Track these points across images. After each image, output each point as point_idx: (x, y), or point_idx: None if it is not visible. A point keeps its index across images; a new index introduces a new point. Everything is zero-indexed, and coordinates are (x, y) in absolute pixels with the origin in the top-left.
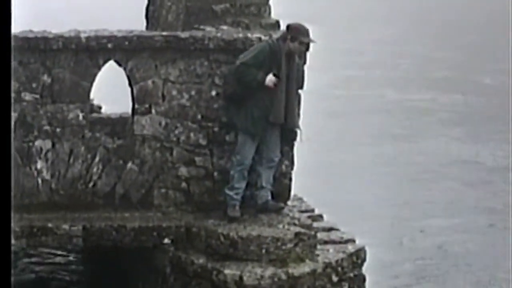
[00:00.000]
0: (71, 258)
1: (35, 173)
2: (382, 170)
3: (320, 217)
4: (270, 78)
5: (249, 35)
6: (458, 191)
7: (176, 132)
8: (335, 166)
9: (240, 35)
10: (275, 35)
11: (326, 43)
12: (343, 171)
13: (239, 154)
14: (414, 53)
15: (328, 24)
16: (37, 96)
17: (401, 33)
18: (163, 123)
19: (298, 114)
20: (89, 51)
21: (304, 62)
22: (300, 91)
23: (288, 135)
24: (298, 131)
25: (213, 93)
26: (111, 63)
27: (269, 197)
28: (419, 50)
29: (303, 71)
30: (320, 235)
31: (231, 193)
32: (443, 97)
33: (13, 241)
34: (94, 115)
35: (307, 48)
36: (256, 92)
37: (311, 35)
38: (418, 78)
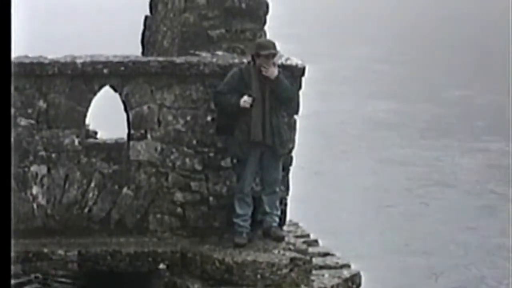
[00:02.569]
0: (66, 283)
1: (31, 198)
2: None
3: (315, 242)
4: (244, 100)
5: (244, 60)
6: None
7: (172, 157)
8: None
9: (236, 60)
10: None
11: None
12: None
13: (238, 180)
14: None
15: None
16: (33, 122)
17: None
18: (159, 148)
19: (289, 137)
20: (84, 77)
21: (299, 87)
22: (295, 116)
23: (288, 159)
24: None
25: (209, 118)
26: (107, 89)
27: (274, 223)
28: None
29: (297, 96)
30: (315, 260)
31: (237, 220)
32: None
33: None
34: (90, 140)
35: (272, 60)
36: (237, 117)
37: (277, 48)
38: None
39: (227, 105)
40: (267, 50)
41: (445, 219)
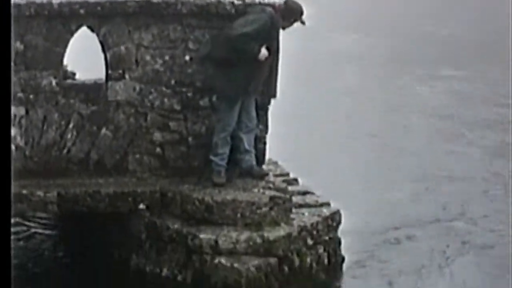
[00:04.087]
0: (46, 224)
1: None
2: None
3: (295, 180)
4: (263, 53)
5: (269, 10)
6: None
7: (150, 97)
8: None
9: None
10: (269, 8)
11: None
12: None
13: (222, 120)
14: None
15: None
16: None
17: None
18: (137, 88)
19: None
20: (61, 17)
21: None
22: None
23: (264, 100)
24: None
25: (187, 58)
26: (84, 29)
27: (254, 162)
28: None
29: None
30: (295, 199)
31: (216, 159)
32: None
33: None
34: (68, 81)
35: None
36: (245, 61)
37: (304, 14)
38: None
39: (249, 50)
40: (301, 17)
41: (422, 144)
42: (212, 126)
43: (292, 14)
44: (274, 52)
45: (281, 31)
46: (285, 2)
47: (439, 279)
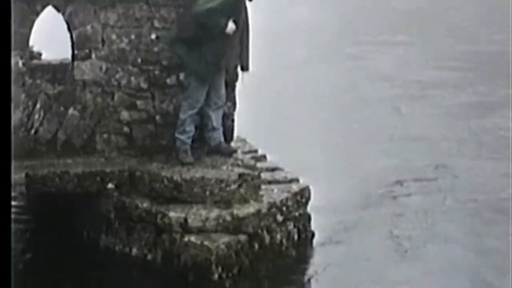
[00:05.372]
0: (14, 206)
1: None
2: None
3: (263, 157)
4: (231, 26)
5: None
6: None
7: (117, 76)
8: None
9: None
10: None
11: None
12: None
13: (190, 98)
14: None
15: None
16: None
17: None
18: (104, 67)
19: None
20: None
21: None
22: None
23: (232, 76)
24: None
25: (153, 36)
26: (50, 9)
27: (222, 139)
28: None
29: None
30: (264, 176)
31: (182, 137)
32: None
33: None
34: (34, 61)
35: None
36: (213, 37)
37: None
38: None
39: (216, 25)
40: None
41: (384, 110)
42: (180, 105)
43: None
44: (243, 25)
45: (248, 3)
46: None
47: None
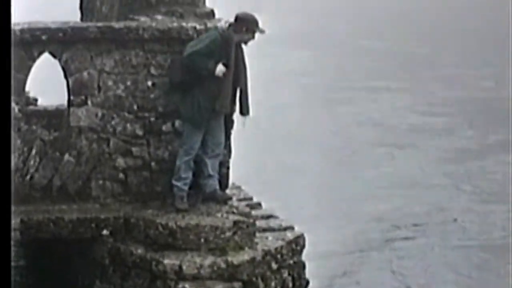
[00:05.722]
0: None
1: None
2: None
3: (258, 205)
4: (220, 68)
5: (183, 24)
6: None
7: (113, 123)
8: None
9: (175, 24)
10: (223, 24)
11: None
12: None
13: (185, 144)
14: None
15: None
16: None
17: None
18: (99, 114)
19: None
20: (23, 44)
21: None
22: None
23: (230, 122)
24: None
25: (149, 83)
26: (46, 55)
27: (217, 186)
28: None
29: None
30: (258, 223)
31: (178, 183)
32: None
33: None
34: (30, 107)
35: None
36: (204, 81)
37: (260, 25)
38: None
39: (202, 68)
40: (257, 28)
41: (375, 156)
42: (175, 151)
43: (244, 24)
44: (238, 68)
45: (245, 47)
46: (237, 15)
47: None
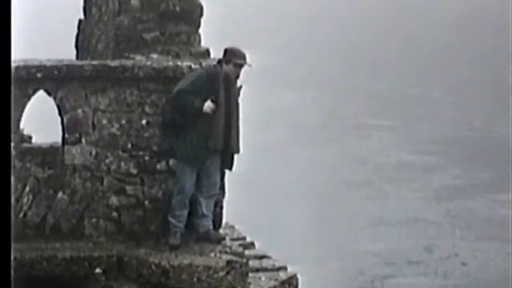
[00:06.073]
0: None
1: None
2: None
3: (251, 244)
4: (208, 105)
5: (179, 63)
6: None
7: (107, 161)
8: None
9: (170, 63)
10: (212, 62)
11: None
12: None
13: (179, 183)
14: None
15: None
16: None
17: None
18: (94, 152)
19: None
20: (18, 81)
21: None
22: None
23: (228, 160)
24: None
25: (144, 122)
26: (41, 93)
27: (211, 226)
28: None
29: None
30: (252, 263)
31: (173, 220)
32: None
33: None
34: (25, 145)
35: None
36: (194, 119)
37: (248, 59)
38: None
39: (189, 105)
40: (243, 60)
41: (365, 194)
42: (169, 190)
43: (232, 57)
44: (229, 104)
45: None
46: (224, 49)
47: None
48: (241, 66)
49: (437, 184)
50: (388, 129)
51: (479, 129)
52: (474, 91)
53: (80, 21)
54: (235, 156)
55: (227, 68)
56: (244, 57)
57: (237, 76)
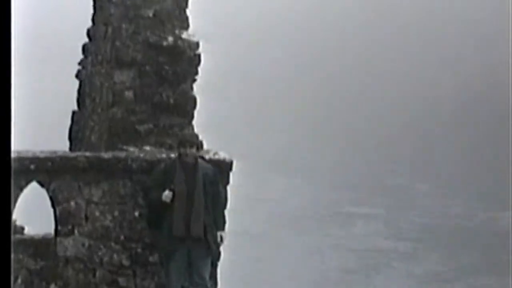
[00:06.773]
0: None
1: None
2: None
3: None
4: (165, 195)
5: (172, 155)
6: None
7: (99, 253)
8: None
9: (163, 155)
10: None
11: None
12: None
13: (166, 275)
14: None
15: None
16: None
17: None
18: (86, 244)
19: (215, 229)
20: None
21: (227, 182)
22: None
23: (211, 250)
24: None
25: (136, 213)
26: (34, 184)
27: None
28: None
29: (225, 193)
30: None
31: None
32: None
33: None
34: (17, 236)
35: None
36: (163, 211)
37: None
38: None
39: (152, 200)
40: (185, 148)
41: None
42: (162, 282)
43: (179, 145)
44: (186, 191)
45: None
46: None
47: None
48: (183, 147)
49: (419, 270)
50: (371, 217)
51: (457, 217)
52: (452, 180)
53: (73, 112)
54: (220, 246)
55: (181, 151)
56: (182, 142)
57: (192, 156)
